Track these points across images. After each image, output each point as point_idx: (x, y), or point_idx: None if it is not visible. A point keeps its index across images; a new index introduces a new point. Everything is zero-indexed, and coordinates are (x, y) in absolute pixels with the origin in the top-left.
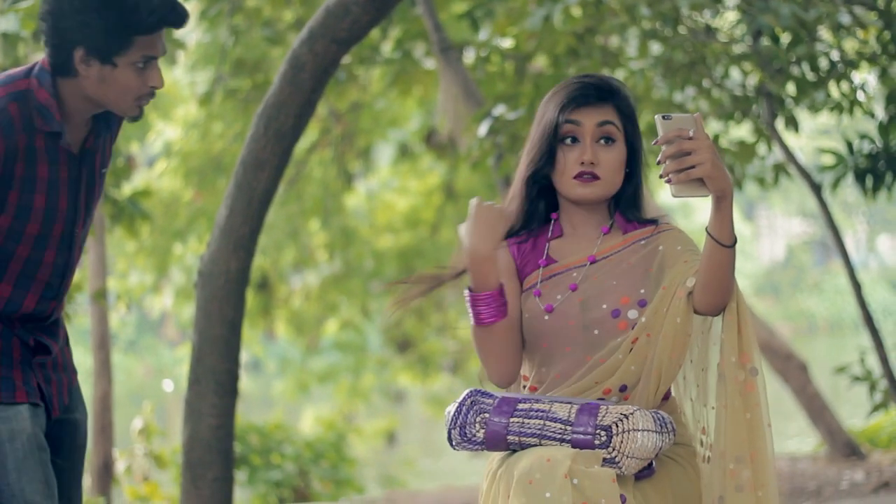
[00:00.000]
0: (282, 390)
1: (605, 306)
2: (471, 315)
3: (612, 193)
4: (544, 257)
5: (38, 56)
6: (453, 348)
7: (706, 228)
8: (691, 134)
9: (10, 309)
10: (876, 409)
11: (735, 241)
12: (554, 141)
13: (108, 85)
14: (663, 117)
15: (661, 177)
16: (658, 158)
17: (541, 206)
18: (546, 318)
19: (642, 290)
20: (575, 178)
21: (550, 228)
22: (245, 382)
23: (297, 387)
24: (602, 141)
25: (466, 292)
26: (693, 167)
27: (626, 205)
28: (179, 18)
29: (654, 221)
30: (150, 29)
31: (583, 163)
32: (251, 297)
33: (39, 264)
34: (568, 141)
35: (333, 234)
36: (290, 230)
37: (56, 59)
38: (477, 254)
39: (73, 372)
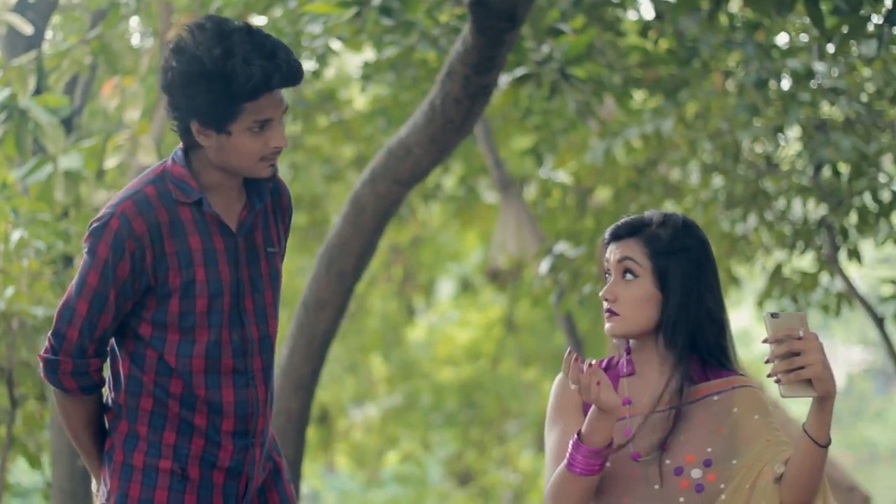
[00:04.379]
0: None
1: (668, 462)
2: (568, 460)
3: (638, 330)
4: (625, 395)
5: (101, 195)
6: (514, 481)
7: (803, 427)
8: (801, 334)
9: (214, 412)
10: None
11: (829, 442)
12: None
13: (228, 152)
14: (771, 315)
15: (768, 376)
16: (766, 358)
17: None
18: (608, 465)
19: (709, 450)
20: (605, 313)
21: (623, 364)
22: None
23: None
24: (625, 275)
25: (575, 437)
26: (803, 367)
27: (703, 348)
28: (285, 79)
29: (731, 371)
30: (251, 96)
31: (607, 299)
32: (311, 431)
33: (219, 346)
34: (607, 276)
35: (394, 368)
36: (351, 364)
37: (179, 132)
38: (609, 408)
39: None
